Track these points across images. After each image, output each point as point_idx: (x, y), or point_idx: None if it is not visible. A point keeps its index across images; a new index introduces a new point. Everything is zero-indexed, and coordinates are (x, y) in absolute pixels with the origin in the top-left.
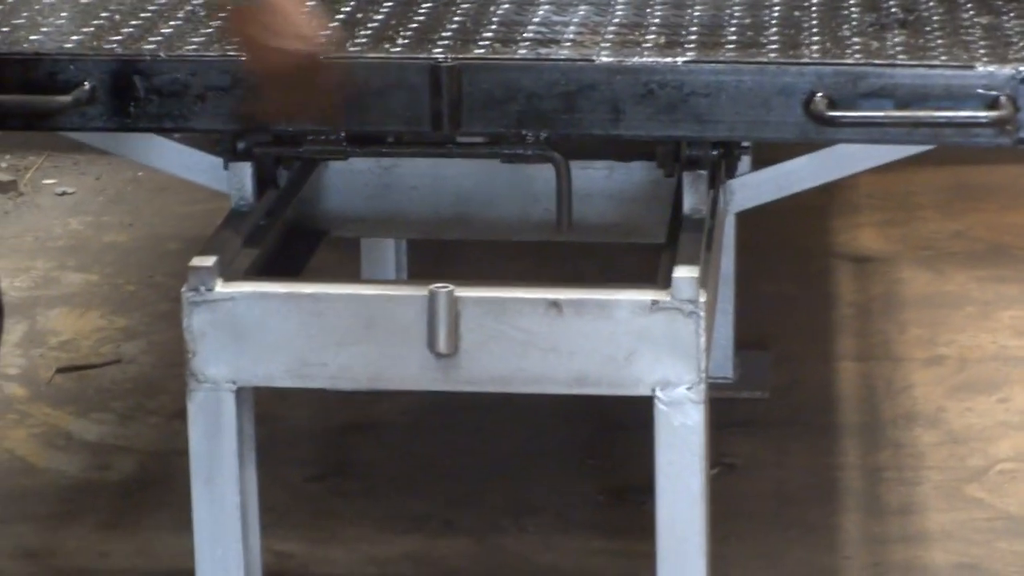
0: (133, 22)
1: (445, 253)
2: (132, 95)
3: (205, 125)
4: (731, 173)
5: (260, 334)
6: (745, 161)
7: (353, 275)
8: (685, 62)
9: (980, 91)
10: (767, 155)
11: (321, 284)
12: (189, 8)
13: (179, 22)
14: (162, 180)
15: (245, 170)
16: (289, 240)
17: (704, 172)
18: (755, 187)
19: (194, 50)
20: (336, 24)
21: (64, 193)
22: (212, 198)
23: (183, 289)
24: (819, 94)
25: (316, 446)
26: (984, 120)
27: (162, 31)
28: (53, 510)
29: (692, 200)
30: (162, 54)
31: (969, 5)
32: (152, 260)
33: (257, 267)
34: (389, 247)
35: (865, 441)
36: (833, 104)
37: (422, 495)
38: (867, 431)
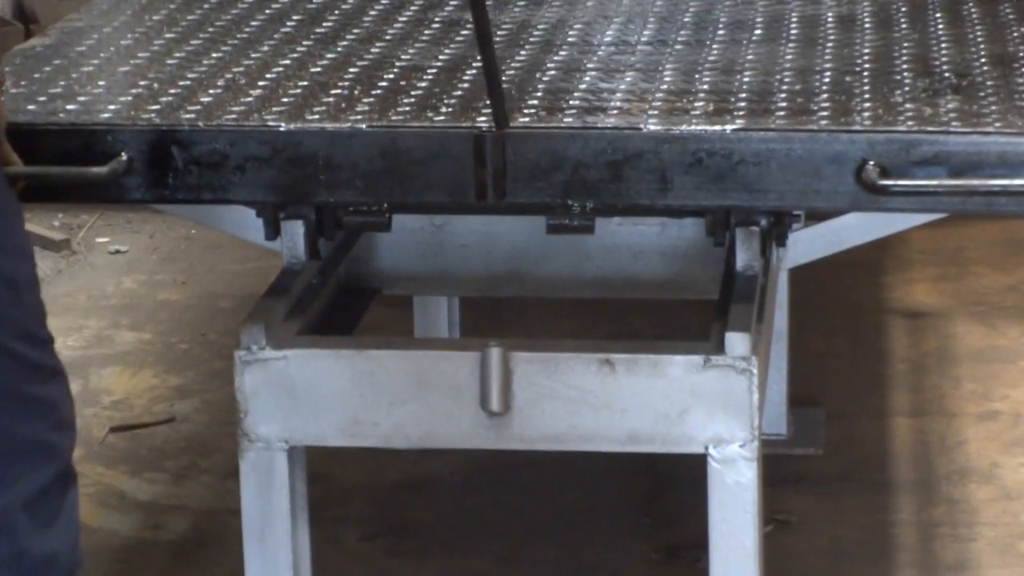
0: (171, 91)
1: (498, 310)
2: (170, 166)
3: (244, 196)
4: (782, 241)
5: (312, 393)
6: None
7: (406, 333)
8: (734, 130)
9: None
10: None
11: (372, 344)
12: (229, 76)
13: (218, 91)
14: (215, 238)
15: (297, 229)
16: (341, 299)
17: (756, 229)
18: (807, 243)
19: (233, 120)
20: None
21: (117, 252)
22: (265, 256)
23: (235, 349)
24: (871, 162)
25: (369, 505)
26: None
27: (201, 100)
28: (107, 570)
29: (745, 257)
30: (200, 124)
31: (1023, 70)
32: (205, 318)
33: (309, 327)
34: (442, 305)
35: (919, 497)
36: (885, 172)
37: (475, 554)
38: (921, 487)
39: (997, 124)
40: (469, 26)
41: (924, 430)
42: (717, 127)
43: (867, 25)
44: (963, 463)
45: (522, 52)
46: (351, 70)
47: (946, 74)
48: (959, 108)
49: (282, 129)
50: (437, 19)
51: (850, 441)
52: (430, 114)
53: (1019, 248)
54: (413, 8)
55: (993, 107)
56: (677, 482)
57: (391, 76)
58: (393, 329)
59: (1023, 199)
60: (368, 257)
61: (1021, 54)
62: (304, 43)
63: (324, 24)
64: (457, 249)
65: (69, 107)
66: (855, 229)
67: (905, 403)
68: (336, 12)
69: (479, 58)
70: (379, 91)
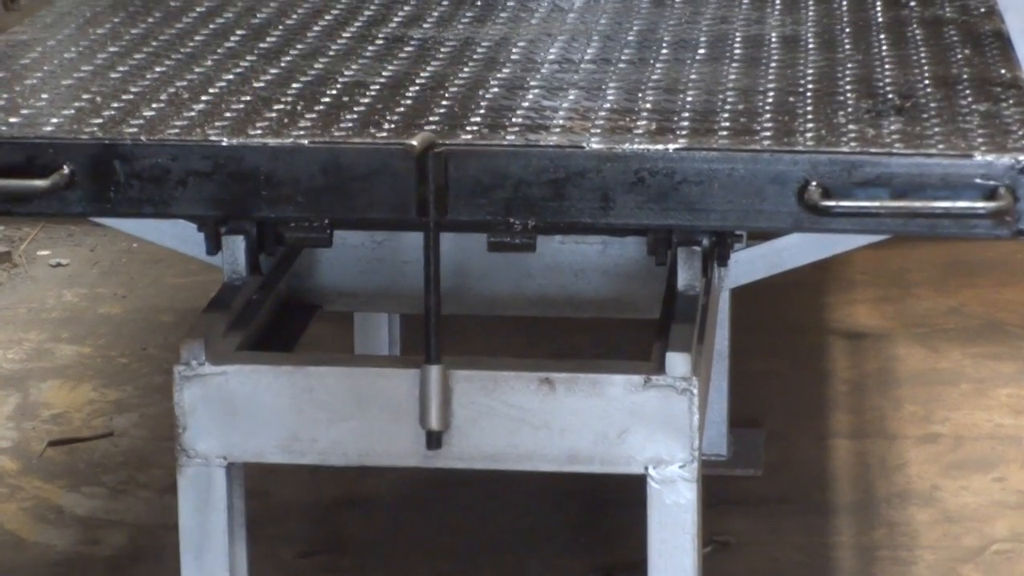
0: (114, 105)
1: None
2: (112, 180)
3: (186, 211)
4: (723, 260)
5: (251, 410)
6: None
7: (347, 350)
8: (676, 149)
9: (978, 181)
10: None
11: (311, 360)
12: (172, 91)
13: (161, 105)
14: (157, 251)
15: (238, 244)
16: (282, 314)
17: (698, 248)
18: (749, 263)
19: (175, 134)
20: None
21: (58, 264)
22: (207, 270)
23: (175, 364)
24: (813, 183)
25: (307, 522)
26: (982, 211)
27: (144, 114)
28: None
29: (686, 276)
30: (143, 138)
31: (967, 92)
32: (145, 332)
33: (249, 342)
34: (383, 321)
35: (859, 519)
36: (828, 193)
37: (412, 572)
38: (861, 509)
39: (940, 146)
40: (413, 42)
41: (865, 452)
42: (659, 146)
43: (811, 45)
44: (904, 485)
45: (465, 69)
46: (294, 85)
47: (889, 95)
48: (902, 129)
49: (224, 144)
50: (381, 35)
51: (790, 462)
52: (372, 130)
53: (961, 270)
54: (357, 24)
55: (936, 129)
56: (616, 502)
57: (334, 92)
58: (334, 346)
59: (965, 221)
60: (309, 273)
61: (964, 76)
62: (248, 58)
63: (268, 39)
64: (398, 266)
65: (11, 120)
66: (797, 250)
67: (846, 424)
68: (280, 27)
69: (422, 76)
70: (322, 107)
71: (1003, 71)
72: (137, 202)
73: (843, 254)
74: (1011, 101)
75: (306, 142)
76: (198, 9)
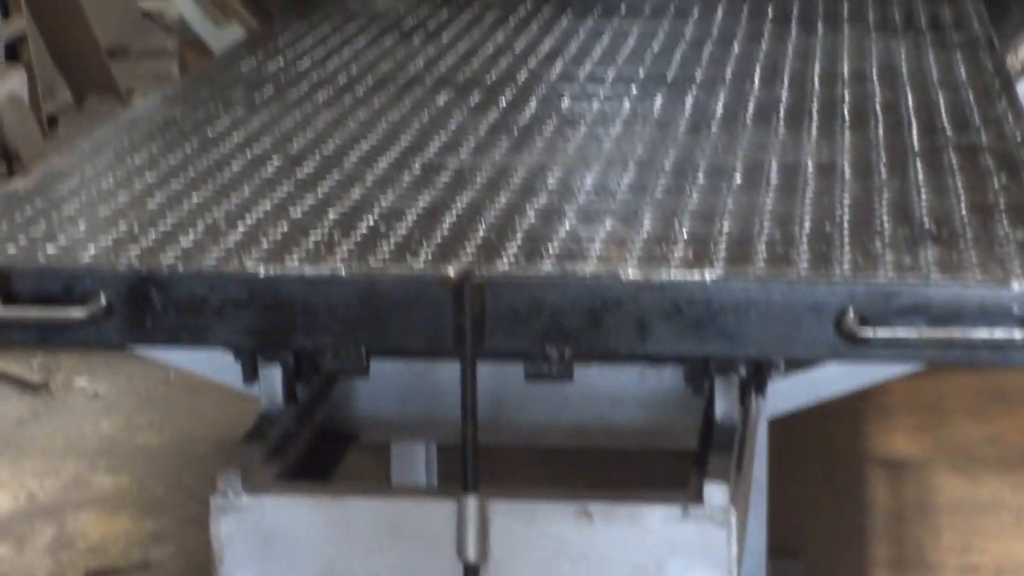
0: (152, 234)
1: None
2: (149, 309)
3: (223, 340)
4: (761, 389)
5: (288, 541)
6: None
7: (384, 479)
8: (713, 280)
9: (1016, 309)
10: None
11: (348, 491)
12: (209, 220)
13: (198, 234)
14: (194, 380)
15: (275, 373)
16: (319, 444)
17: (735, 377)
18: (787, 392)
19: (213, 264)
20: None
21: (96, 394)
22: (244, 398)
23: (211, 496)
24: (851, 311)
25: None
26: (1020, 341)
27: (181, 244)
28: None
29: (723, 407)
30: (180, 267)
31: (1004, 219)
32: (183, 462)
33: (286, 473)
34: (420, 451)
35: None
36: (865, 321)
37: None
38: None
39: (977, 274)
40: (450, 170)
41: None
42: (696, 275)
43: (847, 173)
44: None
45: (502, 197)
46: (331, 214)
47: (926, 223)
48: (939, 257)
49: (261, 274)
50: (418, 163)
51: None
52: (409, 259)
53: (1000, 398)
54: (394, 152)
55: (973, 257)
56: None
57: (371, 221)
58: (371, 475)
59: (1003, 351)
60: (346, 402)
61: (1001, 203)
62: (285, 187)
63: (305, 168)
64: (435, 395)
65: (49, 249)
66: (836, 379)
67: (885, 555)
68: (317, 156)
69: (459, 205)
70: (359, 236)
71: None
72: (174, 332)
73: (878, 387)
74: None
75: (343, 272)
76: (235, 138)
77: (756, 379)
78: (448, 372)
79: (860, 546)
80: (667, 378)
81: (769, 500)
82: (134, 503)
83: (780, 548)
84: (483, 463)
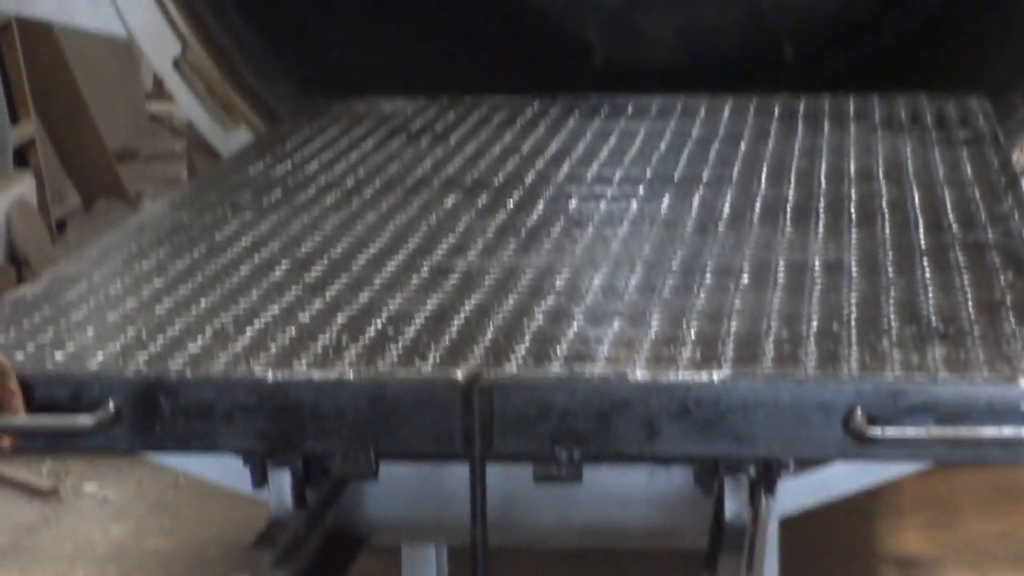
0: (160, 340)
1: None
2: (157, 415)
3: (232, 445)
4: (771, 489)
5: None
6: None
7: None
8: (721, 380)
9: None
10: None
11: None
12: (217, 325)
13: (206, 339)
14: (203, 485)
15: (284, 478)
16: (328, 548)
17: (744, 477)
18: (796, 492)
19: (220, 369)
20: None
21: (105, 500)
22: (254, 502)
23: None
24: (859, 410)
25: None
26: None
27: (189, 349)
28: None
29: (733, 507)
30: (188, 373)
31: (1010, 316)
32: (193, 568)
33: None
34: (431, 554)
35: None
36: (873, 420)
37: None
38: None
39: (984, 372)
40: (458, 272)
41: None
42: (704, 375)
43: (854, 271)
44: None
45: (510, 299)
46: (339, 318)
47: (933, 321)
48: (946, 355)
49: (269, 379)
50: (426, 265)
51: None
52: (417, 362)
53: (1010, 494)
54: (402, 254)
55: (980, 354)
56: None
57: (379, 324)
58: None
59: (1012, 448)
60: (356, 505)
61: (1008, 301)
62: (293, 290)
63: (313, 271)
64: (445, 498)
65: (58, 355)
66: (846, 477)
67: None
68: (325, 259)
69: (467, 307)
70: (367, 339)
71: None
72: (182, 437)
73: (890, 486)
74: None
75: (351, 376)
76: (243, 242)
77: (765, 479)
78: (458, 474)
79: None
80: (676, 478)
81: None
82: None
83: None
84: (494, 565)
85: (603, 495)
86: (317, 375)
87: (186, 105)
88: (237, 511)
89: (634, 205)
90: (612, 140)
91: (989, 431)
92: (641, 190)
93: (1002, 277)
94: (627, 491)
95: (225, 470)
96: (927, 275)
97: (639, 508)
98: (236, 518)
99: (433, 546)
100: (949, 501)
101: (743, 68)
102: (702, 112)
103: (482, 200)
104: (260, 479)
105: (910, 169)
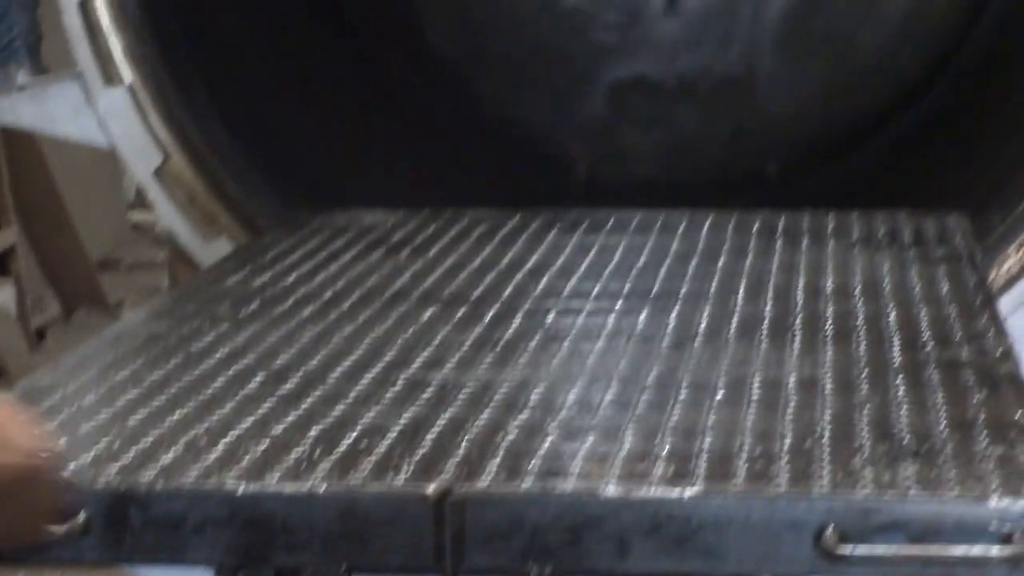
0: (133, 450)
1: None
2: (128, 526)
3: (203, 558)
4: None
5: None
6: None
7: None
8: (691, 496)
9: (994, 525)
10: None
11: None
12: (190, 436)
13: (179, 450)
14: None
15: None
16: None
17: None
18: None
19: (192, 481)
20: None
21: None
22: None
23: None
24: (830, 528)
25: None
26: (998, 557)
27: (161, 460)
28: None
29: None
30: (159, 485)
31: (983, 435)
32: None
33: None
34: None
35: None
36: (844, 538)
37: None
38: None
39: (955, 490)
40: (433, 386)
41: None
42: (676, 492)
43: (828, 389)
44: None
45: (484, 413)
46: (313, 430)
47: (905, 439)
48: (918, 473)
49: (240, 491)
50: (401, 378)
51: None
52: (390, 475)
53: None
54: (378, 367)
55: (952, 473)
56: None
57: (352, 437)
58: None
59: (981, 567)
60: None
61: (981, 419)
62: (267, 402)
63: (288, 383)
64: None
65: None
66: None
67: None
68: (301, 371)
69: (441, 420)
70: (340, 452)
71: (1019, 414)
72: (152, 550)
73: None
74: None
75: (322, 488)
76: (219, 353)
77: None
78: None
79: None
80: None
81: None
82: None
83: None
84: None
85: None
86: (289, 488)
87: (167, 215)
88: None
89: (611, 320)
90: (591, 254)
91: (959, 550)
92: (618, 305)
93: (976, 395)
94: None
95: None
96: (901, 392)
97: None
98: None
99: None
100: None
101: (725, 184)
102: (682, 227)
103: (459, 313)
104: None
105: (887, 286)
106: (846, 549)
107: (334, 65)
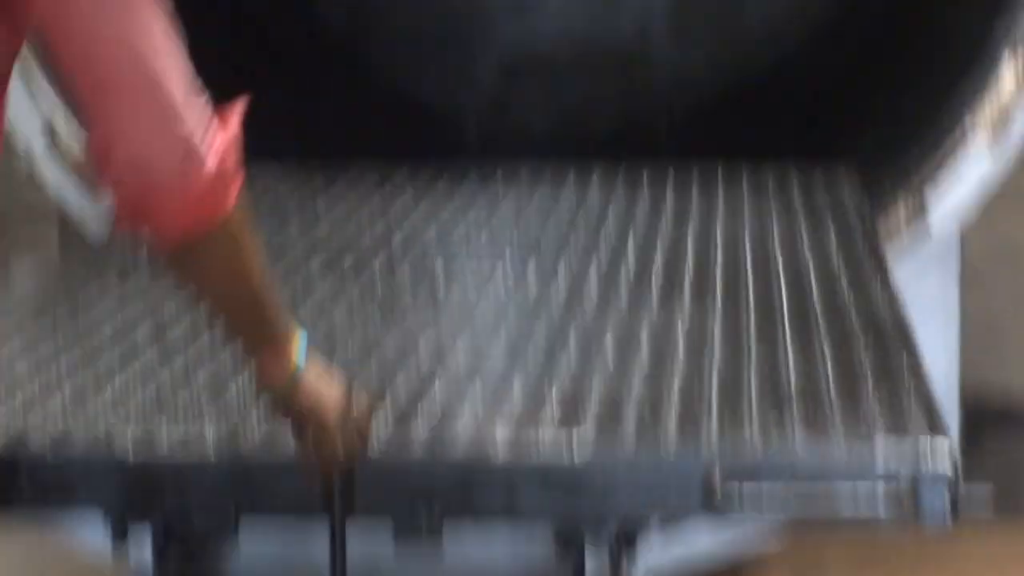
0: (18, 398)
1: None
2: (16, 472)
3: (91, 503)
4: (632, 555)
5: None
6: None
7: None
8: (581, 440)
9: (879, 466)
10: None
11: None
12: (78, 386)
13: (67, 400)
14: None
15: (144, 537)
16: None
17: (606, 540)
18: (658, 555)
19: (81, 429)
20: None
21: None
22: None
23: None
24: (717, 471)
25: None
26: (882, 496)
27: (49, 409)
28: None
29: (594, 570)
30: (47, 432)
31: (869, 379)
32: None
33: None
34: None
35: None
36: (731, 478)
37: None
38: None
39: (841, 433)
40: (320, 336)
41: None
42: (565, 437)
43: (716, 337)
44: None
45: (373, 361)
46: (200, 378)
47: (792, 383)
48: (804, 416)
49: (129, 437)
50: None
51: None
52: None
53: (879, 560)
54: None
55: (838, 415)
56: None
57: (241, 383)
58: None
59: (867, 506)
60: (217, 565)
61: (866, 364)
62: (151, 351)
63: (173, 333)
64: (307, 557)
65: None
66: (709, 543)
67: None
68: (185, 322)
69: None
70: (227, 398)
71: (904, 358)
72: (42, 495)
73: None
74: (911, 388)
75: (211, 433)
76: (105, 304)
77: (626, 541)
78: (321, 534)
79: None
80: (538, 543)
81: None
82: None
83: None
84: None
85: (465, 561)
86: (178, 434)
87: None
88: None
89: (499, 270)
90: (480, 207)
91: (845, 488)
92: (507, 255)
93: (862, 341)
94: (489, 557)
95: (85, 530)
96: (788, 339)
97: (502, 574)
98: None
99: None
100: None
101: (618, 149)
102: (571, 180)
103: (346, 264)
104: (120, 537)
105: (775, 237)
106: (732, 487)
107: (225, 38)
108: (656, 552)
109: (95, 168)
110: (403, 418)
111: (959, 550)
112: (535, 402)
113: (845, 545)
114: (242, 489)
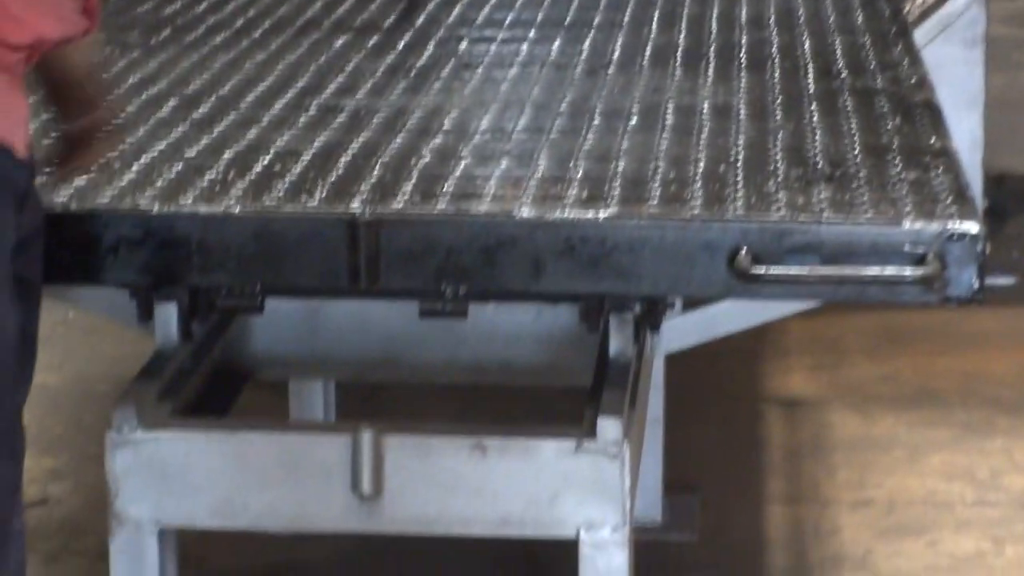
0: (46, 172)
1: (375, 395)
2: (44, 249)
3: (117, 279)
4: (656, 327)
5: (183, 475)
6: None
7: (283, 417)
8: (606, 218)
9: (907, 248)
10: None
11: (243, 426)
12: (103, 160)
13: (92, 174)
14: (93, 321)
15: (170, 311)
16: (215, 381)
17: (630, 315)
18: (682, 330)
19: (106, 202)
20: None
21: None
22: (144, 340)
23: (106, 431)
24: (743, 250)
25: None
26: (910, 278)
27: (75, 183)
28: None
29: (618, 343)
30: (73, 206)
31: (897, 160)
32: (82, 402)
33: (181, 409)
34: (318, 389)
35: None
36: (758, 259)
37: None
38: (795, 574)
39: (869, 214)
40: (345, 111)
41: (799, 518)
42: (590, 214)
43: (742, 115)
44: (837, 550)
45: (398, 138)
46: (226, 154)
47: (819, 164)
48: (832, 197)
49: (155, 212)
50: (314, 104)
51: (725, 528)
52: (304, 198)
53: (895, 337)
54: (290, 93)
55: (865, 197)
56: (552, 567)
57: (266, 160)
58: (269, 413)
59: (894, 287)
60: (242, 340)
61: (894, 145)
62: (180, 127)
63: (201, 108)
64: (331, 333)
65: None
66: (730, 316)
67: (780, 490)
68: (213, 97)
69: (354, 145)
70: (254, 175)
71: (932, 140)
72: (68, 271)
73: (778, 322)
74: (940, 170)
75: (237, 210)
76: (131, 79)
77: (650, 317)
78: (345, 310)
79: (756, 482)
80: (563, 316)
81: (665, 437)
82: (33, 442)
83: (676, 484)
84: (382, 400)
85: (489, 332)
86: (203, 209)
87: None
88: (126, 347)
89: (524, 48)
90: None
91: (872, 270)
92: (532, 33)
93: (890, 122)
94: (514, 328)
95: (112, 305)
96: (815, 119)
97: (525, 345)
98: (125, 354)
99: (320, 382)
100: (835, 345)
101: None
102: None
103: (372, 41)
104: (146, 314)
105: (801, 16)
106: (760, 270)
107: None
108: (677, 322)
109: None
110: (427, 194)
111: (977, 329)
112: (560, 179)
113: (864, 324)
114: (267, 266)
